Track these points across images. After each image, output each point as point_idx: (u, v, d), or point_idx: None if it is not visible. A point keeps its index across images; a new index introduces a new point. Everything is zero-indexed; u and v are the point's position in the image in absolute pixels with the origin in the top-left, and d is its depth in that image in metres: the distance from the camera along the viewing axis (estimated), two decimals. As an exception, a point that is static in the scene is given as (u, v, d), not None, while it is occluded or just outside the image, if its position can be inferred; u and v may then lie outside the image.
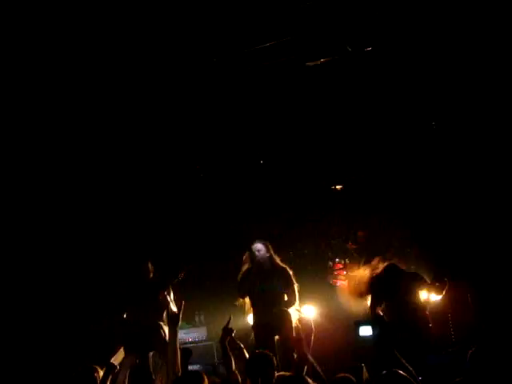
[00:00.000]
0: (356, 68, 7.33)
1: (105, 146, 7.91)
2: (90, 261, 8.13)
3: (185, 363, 4.91)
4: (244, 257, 6.47)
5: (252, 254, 6.35)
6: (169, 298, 6.56)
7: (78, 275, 7.99)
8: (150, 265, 6.78)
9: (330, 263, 8.92)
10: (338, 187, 9.41)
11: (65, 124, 7.19)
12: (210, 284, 8.88)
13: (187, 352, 5.06)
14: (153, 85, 7.04)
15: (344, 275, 8.64)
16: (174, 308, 6.61)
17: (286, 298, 6.31)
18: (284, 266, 6.46)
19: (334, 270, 8.86)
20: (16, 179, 7.41)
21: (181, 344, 7.10)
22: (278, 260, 6.45)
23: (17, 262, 7.55)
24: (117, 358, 6.82)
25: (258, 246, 6.39)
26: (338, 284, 8.67)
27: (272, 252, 6.41)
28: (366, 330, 6.86)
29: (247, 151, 9.46)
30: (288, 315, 6.15)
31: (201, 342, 7.29)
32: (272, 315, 6.11)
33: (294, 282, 6.39)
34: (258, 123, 8.45)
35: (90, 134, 7.55)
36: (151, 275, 6.76)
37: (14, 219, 7.61)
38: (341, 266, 8.82)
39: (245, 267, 6.40)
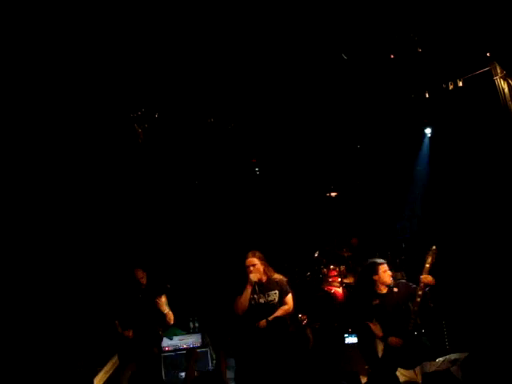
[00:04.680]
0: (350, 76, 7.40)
1: (99, 155, 7.90)
2: (84, 267, 8.09)
3: None
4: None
5: (246, 268, 6.29)
6: (164, 306, 6.58)
7: (73, 281, 7.94)
8: (142, 272, 6.78)
9: (325, 270, 8.92)
10: (333, 194, 9.42)
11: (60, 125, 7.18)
12: (205, 290, 8.85)
13: None
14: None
15: (338, 282, 8.65)
16: (169, 315, 6.64)
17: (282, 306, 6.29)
18: (279, 276, 6.43)
19: (328, 277, 8.87)
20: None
21: (175, 351, 7.19)
22: (272, 270, 6.41)
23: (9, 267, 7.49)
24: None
25: (252, 261, 6.33)
26: (333, 291, 8.69)
27: (266, 263, 6.36)
28: (351, 339, 6.98)
29: (243, 160, 9.49)
30: (284, 322, 6.13)
31: (196, 348, 7.27)
32: (267, 324, 6.09)
33: (290, 290, 6.37)
34: (254, 133, 8.50)
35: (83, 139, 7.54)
36: (144, 282, 6.76)
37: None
38: (335, 273, 8.83)
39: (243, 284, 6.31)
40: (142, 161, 8.40)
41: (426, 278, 5.83)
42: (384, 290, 6.13)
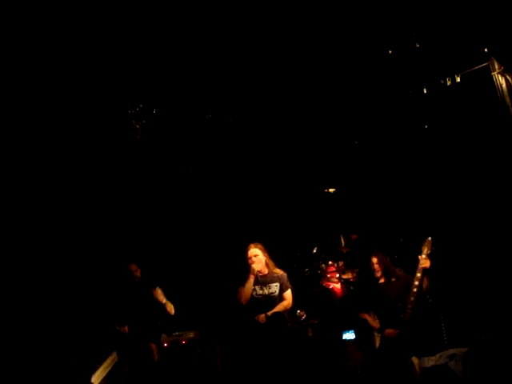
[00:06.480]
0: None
1: (97, 151, 7.89)
2: (78, 263, 8.08)
3: None
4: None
5: (248, 259, 6.30)
6: (161, 297, 6.58)
7: (68, 277, 7.94)
8: (135, 266, 6.78)
9: (323, 266, 8.93)
10: (331, 190, 9.43)
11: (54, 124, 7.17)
12: (203, 285, 8.86)
13: None
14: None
15: (337, 278, 8.66)
16: (168, 305, 6.65)
17: (282, 301, 6.31)
18: (280, 270, 6.46)
19: (327, 273, 8.88)
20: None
21: (174, 346, 7.17)
22: (273, 264, 6.44)
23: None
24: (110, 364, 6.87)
25: (255, 251, 6.34)
26: (331, 287, 8.70)
27: (267, 255, 6.38)
28: (349, 335, 7.01)
29: (238, 153, 9.48)
30: (283, 318, 6.16)
31: (194, 343, 7.27)
32: (267, 319, 6.11)
33: (290, 285, 6.40)
34: (252, 127, 8.49)
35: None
36: (138, 276, 6.76)
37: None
38: (334, 269, 8.84)
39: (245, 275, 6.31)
40: (139, 157, 8.41)
41: (425, 260, 5.91)
42: (382, 280, 6.20)
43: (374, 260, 6.24)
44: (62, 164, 7.73)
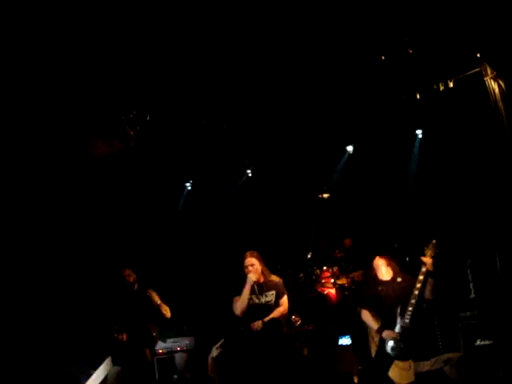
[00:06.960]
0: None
1: (90, 157, 7.88)
2: (75, 269, 8.07)
3: None
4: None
5: (245, 268, 6.31)
6: (156, 298, 6.60)
7: (65, 283, 7.93)
8: (129, 270, 6.79)
9: (318, 271, 8.93)
10: (325, 195, 9.43)
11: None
12: (198, 293, 8.85)
13: None
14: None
15: (332, 283, 8.67)
16: (163, 306, 6.65)
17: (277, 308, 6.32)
18: (276, 277, 6.47)
19: (321, 279, 8.88)
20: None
21: (169, 353, 7.15)
22: (269, 271, 6.45)
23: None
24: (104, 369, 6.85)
25: (251, 261, 6.34)
26: (326, 292, 8.70)
27: (263, 263, 6.39)
28: (345, 340, 7.01)
29: (234, 160, 9.50)
30: (279, 324, 6.16)
31: (189, 350, 7.24)
32: (264, 325, 6.12)
33: (286, 291, 6.41)
34: (247, 134, 8.51)
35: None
36: (131, 280, 6.77)
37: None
38: (328, 274, 8.84)
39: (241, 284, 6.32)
40: (133, 163, 8.41)
41: (429, 263, 5.87)
42: (385, 278, 6.18)
43: (381, 259, 6.23)
44: (57, 171, 7.72)
